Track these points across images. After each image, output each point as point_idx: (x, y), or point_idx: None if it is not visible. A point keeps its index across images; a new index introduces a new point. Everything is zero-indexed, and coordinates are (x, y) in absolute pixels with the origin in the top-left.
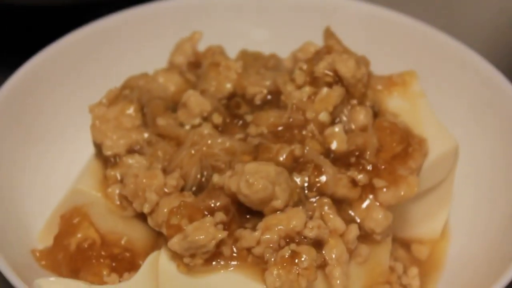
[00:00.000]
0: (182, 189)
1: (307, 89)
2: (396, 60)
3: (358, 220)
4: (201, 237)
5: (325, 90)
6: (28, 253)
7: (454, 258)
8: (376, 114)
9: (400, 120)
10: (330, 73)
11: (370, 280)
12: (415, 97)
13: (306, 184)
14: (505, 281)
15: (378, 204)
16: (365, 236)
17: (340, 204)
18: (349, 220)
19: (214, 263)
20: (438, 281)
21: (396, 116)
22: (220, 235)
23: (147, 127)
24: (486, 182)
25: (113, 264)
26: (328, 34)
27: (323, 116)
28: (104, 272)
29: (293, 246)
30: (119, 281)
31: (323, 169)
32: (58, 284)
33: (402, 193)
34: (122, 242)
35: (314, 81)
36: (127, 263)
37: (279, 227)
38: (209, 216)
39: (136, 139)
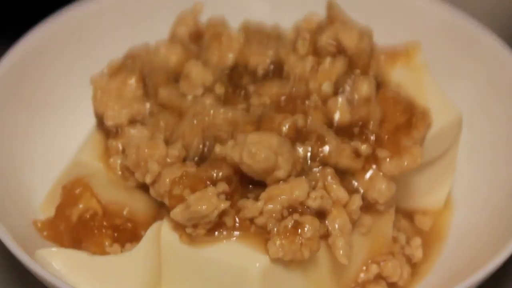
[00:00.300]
0: (184, 160)
1: (310, 60)
2: (398, 32)
3: (362, 191)
4: (203, 207)
5: (328, 60)
6: (30, 224)
7: (457, 228)
8: (380, 85)
9: (404, 91)
10: (334, 44)
11: (373, 250)
12: (418, 68)
13: (309, 155)
14: (508, 251)
15: (381, 174)
16: (368, 207)
17: (343, 174)
18: (352, 191)
19: (216, 233)
20: (441, 252)
21: (399, 87)
22: (222, 205)
23: (149, 97)
24: (488, 152)
25: (115, 235)
26: (331, 5)
27: (326, 87)
28: (106, 243)
29: (296, 216)
30: (121, 252)
31: (326, 139)
32: (60, 254)
33: (406, 163)
34: (124, 212)
35: (317, 51)
36: (129, 234)
37: (282, 197)
38: (211, 186)
39: (138, 110)
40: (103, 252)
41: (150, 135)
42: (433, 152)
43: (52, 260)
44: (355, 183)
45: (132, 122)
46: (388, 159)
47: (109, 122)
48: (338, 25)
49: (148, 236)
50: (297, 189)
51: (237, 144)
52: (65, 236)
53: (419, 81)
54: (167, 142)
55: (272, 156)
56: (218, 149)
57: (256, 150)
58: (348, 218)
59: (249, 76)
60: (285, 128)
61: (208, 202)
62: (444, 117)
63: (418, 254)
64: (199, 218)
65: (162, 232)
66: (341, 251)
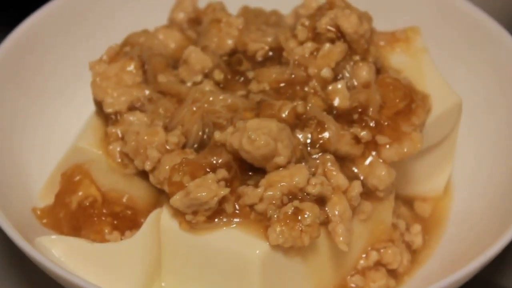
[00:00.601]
0: (184, 147)
1: (309, 45)
2: (398, 17)
3: (361, 177)
4: (203, 194)
5: (327, 46)
6: (29, 212)
7: (456, 214)
8: (379, 70)
9: (403, 76)
10: (333, 29)
11: (373, 237)
12: (418, 53)
13: (308, 141)
14: (508, 237)
15: (381, 161)
16: (368, 193)
17: (343, 161)
18: (352, 177)
19: (216, 220)
20: (441, 238)
21: (399, 72)
22: (222, 192)
23: (148, 84)
24: (488, 139)
25: (115, 222)
26: None
27: (326, 72)
28: (106, 230)
29: (296, 203)
30: (121, 239)
31: (326, 126)
32: (59, 242)
33: (406, 149)
34: (124, 200)
35: (316, 37)
36: (128, 221)
37: (281, 184)
38: (211, 173)
39: (137, 96)
40: (103, 240)
41: (149, 122)
42: (433, 138)
43: (52, 248)
44: (355, 170)
45: (131, 108)
46: (388, 146)
47: (108, 109)
48: (337, 10)
49: (148, 223)
50: (297, 176)
51: (236, 131)
52: (64, 223)
53: (419, 67)
54: (166, 129)
55: (271, 142)
56: (217, 135)
57: (256, 136)
58: (348, 205)
59: (248, 61)
60: (284, 115)
61: (208, 189)
62: (443, 102)
63: (418, 240)
64: (199, 205)
65: (162, 219)
66: (341, 238)
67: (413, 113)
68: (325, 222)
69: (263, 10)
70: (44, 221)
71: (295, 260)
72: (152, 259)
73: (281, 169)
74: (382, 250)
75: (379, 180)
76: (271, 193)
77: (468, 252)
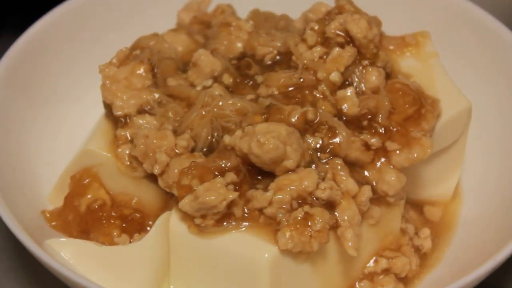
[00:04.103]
0: (193, 150)
1: (318, 49)
2: (407, 21)
3: (373, 183)
4: (212, 197)
5: (336, 50)
6: (38, 214)
7: (466, 219)
8: (389, 75)
9: (413, 81)
10: (342, 34)
11: (381, 242)
12: (428, 58)
13: (318, 146)
14: None
15: (391, 166)
16: (378, 199)
17: (353, 166)
18: (362, 182)
19: (225, 223)
20: (450, 242)
21: (408, 77)
22: (231, 196)
23: (158, 87)
24: (497, 143)
25: (123, 225)
26: None
27: (334, 76)
28: (114, 233)
29: (306, 207)
30: (130, 242)
31: (337, 131)
32: (68, 244)
33: (416, 155)
34: (133, 203)
35: (326, 41)
36: (137, 224)
37: (291, 188)
38: (219, 177)
39: (147, 100)
40: (112, 243)
41: (158, 125)
42: (443, 142)
43: (61, 250)
44: (365, 175)
45: (141, 111)
46: (398, 151)
47: (118, 112)
48: (346, 15)
49: (157, 226)
50: (306, 180)
51: (245, 135)
52: (73, 226)
53: (428, 71)
54: (176, 133)
55: (280, 146)
56: (227, 139)
57: (265, 140)
58: (357, 210)
59: (257, 65)
60: (294, 119)
61: (217, 192)
62: (453, 107)
63: (427, 244)
64: (208, 209)
65: (171, 223)
66: (350, 243)
67: (423, 118)
68: (334, 227)
69: (273, 13)
70: (53, 223)
71: (304, 264)
72: (160, 262)
73: (290, 173)
74: (391, 260)
75: (389, 185)
76: (281, 196)
77: (478, 256)
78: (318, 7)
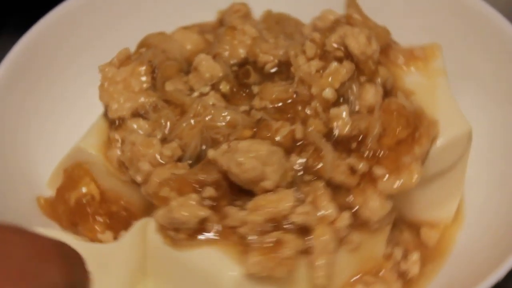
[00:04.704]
0: (180, 160)
1: (315, 63)
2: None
3: (356, 208)
4: (184, 214)
5: (334, 65)
6: (34, 201)
7: (461, 245)
8: (389, 91)
9: (412, 99)
10: (341, 48)
11: (361, 268)
12: (434, 74)
13: (302, 167)
14: (504, 270)
15: (377, 192)
16: (361, 224)
17: (338, 189)
18: (344, 206)
19: (198, 237)
20: (439, 269)
21: (411, 94)
22: (202, 213)
23: (156, 91)
24: (499, 168)
25: (108, 222)
26: (350, 2)
27: (328, 93)
28: (99, 229)
29: (278, 233)
30: (114, 239)
31: (322, 153)
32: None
33: (403, 182)
34: (121, 201)
35: (324, 54)
36: (123, 222)
37: (267, 209)
38: (194, 193)
39: (143, 103)
40: (95, 239)
41: (150, 131)
42: (440, 165)
43: None
44: (350, 199)
45: (135, 115)
46: (385, 177)
47: (112, 115)
48: (347, 28)
49: (135, 229)
50: (283, 202)
51: (229, 151)
52: (63, 218)
53: (432, 89)
54: (165, 140)
55: (259, 166)
56: (211, 153)
57: (244, 160)
58: (332, 237)
59: (257, 73)
60: (280, 137)
61: (189, 209)
62: (452, 130)
63: (414, 270)
64: (180, 224)
65: (148, 230)
66: (320, 272)
67: (416, 142)
68: (307, 252)
69: (286, 16)
70: (46, 211)
71: (270, 287)
72: (136, 264)
73: (269, 193)
74: (369, 286)
75: (372, 212)
76: (255, 218)
77: (465, 284)
78: (326, 14)
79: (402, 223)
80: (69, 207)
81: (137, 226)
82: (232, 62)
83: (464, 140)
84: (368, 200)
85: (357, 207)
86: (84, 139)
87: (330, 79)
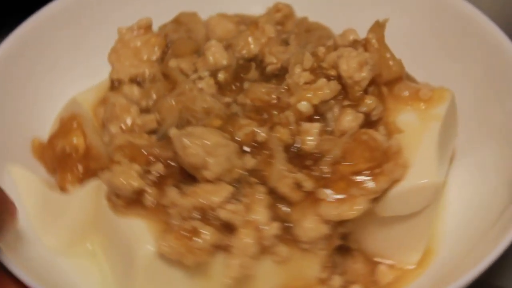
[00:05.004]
0: (154, 133)
1: (306, 75)
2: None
3: (291, 224)
4: (121, 181)
5: (321, 81)
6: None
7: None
8: (373, 122)
9: (396, 137)
10: (335, 68)
11: (287, 283)
12: (429, 119)
13: (251, 168)
14: None
15: (316, 214)
16: (292, 240)
17: (281, 200)
18: (280, 218)
19: (133, 208)
20: None
21: (398, 131)
22: (136, 184)
23: (160, 64)
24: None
25: (81, 177)
26: (375, 27)
27: (303, 106)
28: (71, 180)
29: (199, 223)
30: None
31: (273, 161)
32: (26, 178)
33: (342, 211)
34: (101, 161)
35: (318, 69)
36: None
37: (198, 198)
38: (143, 165)
39: (143, 72)
40: (64, 188)
41: (138, 98)
42: (403, 208)
43: (17, 179)
44: (288, 212)
45: (133, 81)
46: (329, 200)
47: (113, 75)
48: (344, 50)
49: (90, 186)
50: (215, 195)
51: (187, 133)
52: (48, 163)
53: (421, 132)
54: (148, 111)
55: (201, 154)
56: (172, 131)
57: (190, 144)
58: (254, 242)
59: (257, 72)
60: (239, 136)
61: (127, 178)
62: (420, 177)
63: None
64: (117, 189)
65: (100, 191)
66: (232, 271)
67: (373, 179)
68: (226, 250)
69: (319, 25)
70: (35, 153)
71: (181, 273)
72: (87, 218)
73: (209, 183)
74: None
75: (303, 232)
76: (184, 202)
77: None
78: (347, 33)
79: (360, 255)
80: (54, 154)
81: (93, 184)
82: (241, 55)
83: (429, 190)
84: (304, 219)
85: (292, 223)
86: (81, 93)
87: (311, 94)
